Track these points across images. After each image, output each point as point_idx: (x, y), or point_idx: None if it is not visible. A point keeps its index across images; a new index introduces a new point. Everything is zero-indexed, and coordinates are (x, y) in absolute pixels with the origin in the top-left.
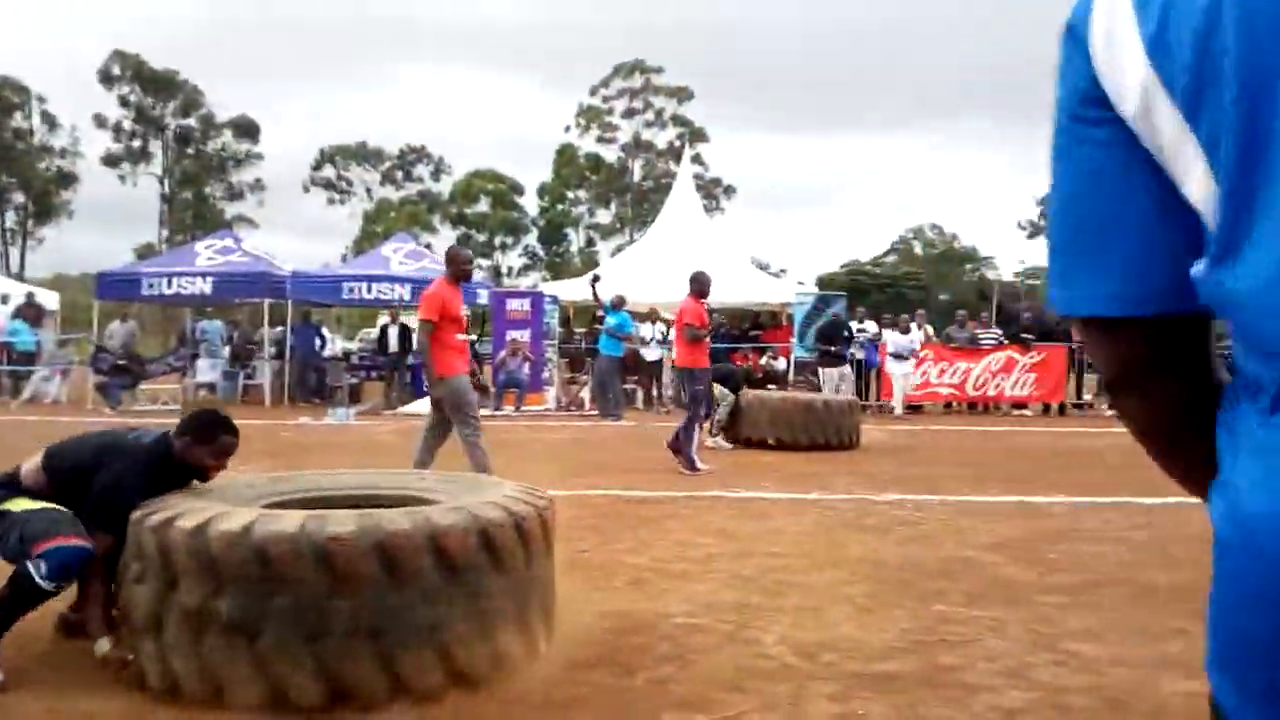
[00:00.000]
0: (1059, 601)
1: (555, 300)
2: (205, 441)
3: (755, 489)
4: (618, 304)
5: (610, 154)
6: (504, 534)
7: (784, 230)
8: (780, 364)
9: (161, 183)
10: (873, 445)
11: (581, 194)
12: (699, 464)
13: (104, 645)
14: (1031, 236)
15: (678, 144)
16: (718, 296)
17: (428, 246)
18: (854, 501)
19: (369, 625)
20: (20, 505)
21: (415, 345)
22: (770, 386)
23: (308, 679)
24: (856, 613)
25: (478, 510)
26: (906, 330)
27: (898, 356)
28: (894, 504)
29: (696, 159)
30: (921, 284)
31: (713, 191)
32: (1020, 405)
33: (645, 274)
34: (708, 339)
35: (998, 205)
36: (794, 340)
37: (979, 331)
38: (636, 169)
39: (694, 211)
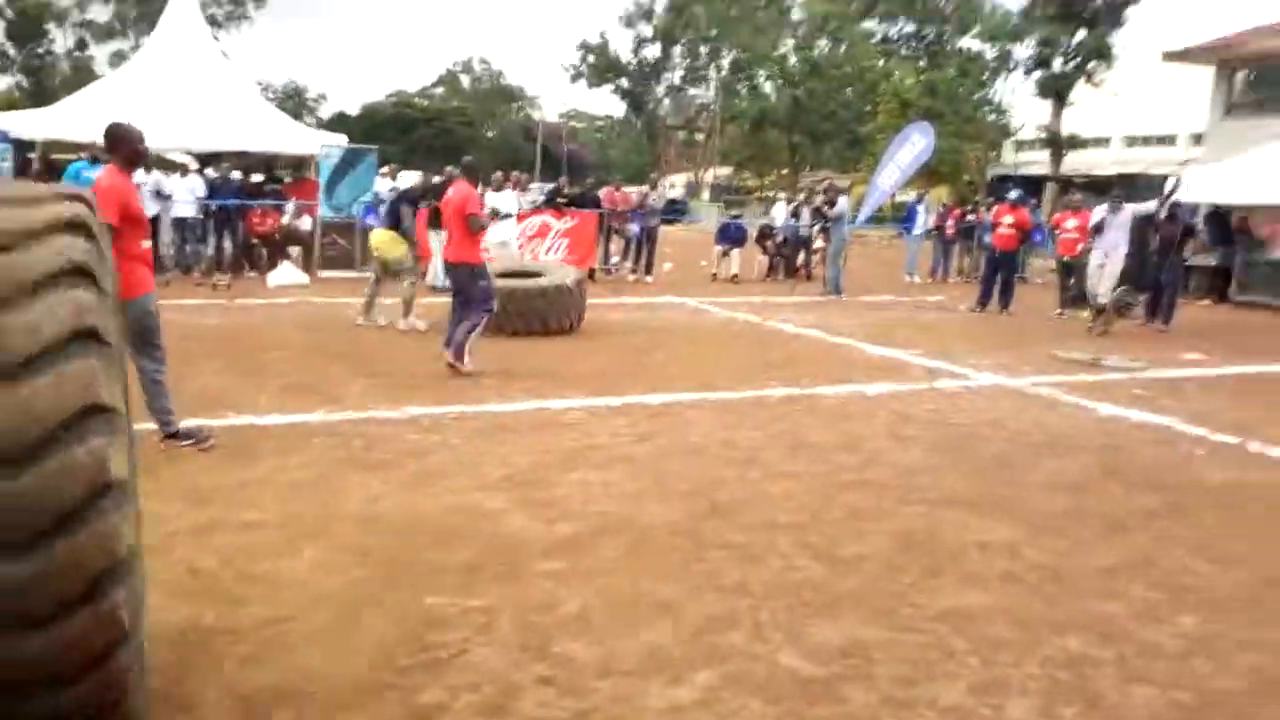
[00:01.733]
0: (558, 569)
1: (7, 139)
2: None
3: (250, 410)
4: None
5: None
6: None
7: (323, 49)
8: (305, 224)
9: None
10: (408, 333)
11: None
12: (468, 364)
13: None
14: (574, 80)
15: None
16: (225, 143)
17: None
18: (362, 423)
19: None
20: None
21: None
22: (293, 250)
23: None
24: (331, 622)
25: None
26: (524, 188)
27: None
28: (409, 423)
29: None
30: (470, 120)
31: None
32: None
33: (142, 111)
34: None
35: (543, 45)
36: (321, 196)
37: (519, 194)
38: None
39: (194, 28)
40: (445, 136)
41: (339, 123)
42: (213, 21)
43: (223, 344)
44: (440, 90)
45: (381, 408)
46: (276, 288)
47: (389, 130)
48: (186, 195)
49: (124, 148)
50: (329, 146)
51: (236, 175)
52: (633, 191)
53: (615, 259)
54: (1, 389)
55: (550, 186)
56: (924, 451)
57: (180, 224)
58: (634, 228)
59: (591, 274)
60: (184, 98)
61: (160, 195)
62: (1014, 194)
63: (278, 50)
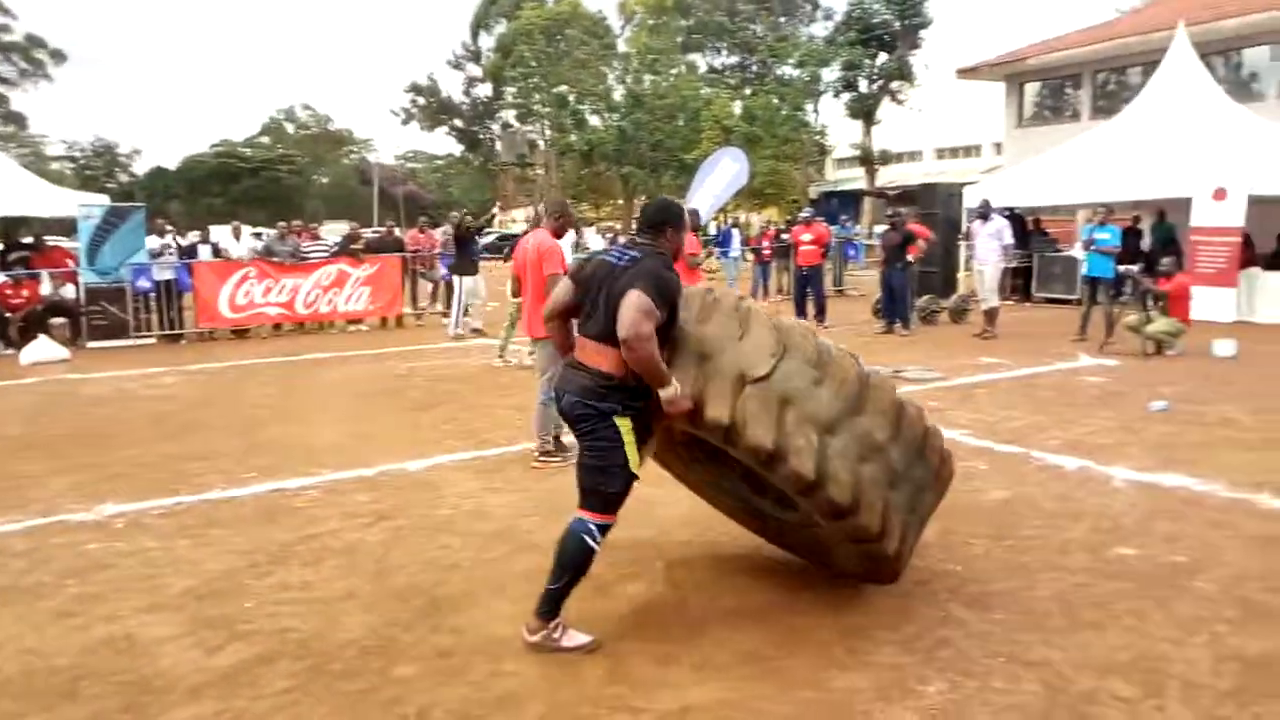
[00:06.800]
0: (198, 716)
1: None
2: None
3: None
4: None
5: None
6: None
7: (135, 104)
8: (69, 291)
9: None
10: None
11: None
12: None
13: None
14: (405, 123)
15: None
16: None
17: None
18: (39, 532)
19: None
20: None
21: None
22: (59, 320)
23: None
24: None
25: None
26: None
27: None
28: (97, 527)
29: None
30: (298, 168)
31: (33, 55)
32: (356, 320)
33: None
34: None
35: (370, 89)
36: (82, 261)
37: (306, 244)
38: None
39: None
40: (273, 185)
41: (157, 176)
42: (1, 80)
43: None
44: (266, 139)
45: (73, 509)
46: (30, 365)
47: (213, 182)
48: None
49: (561, 220)
50: (88, 206)
51: None
52: (438, 231)
53: (424, 304)
54: None
55: (344, 233)
56: None
57: None
58: (442, 270)
59: (400, 320)
60: None
61: None
62: (806, 212)
63: (89, 106)
